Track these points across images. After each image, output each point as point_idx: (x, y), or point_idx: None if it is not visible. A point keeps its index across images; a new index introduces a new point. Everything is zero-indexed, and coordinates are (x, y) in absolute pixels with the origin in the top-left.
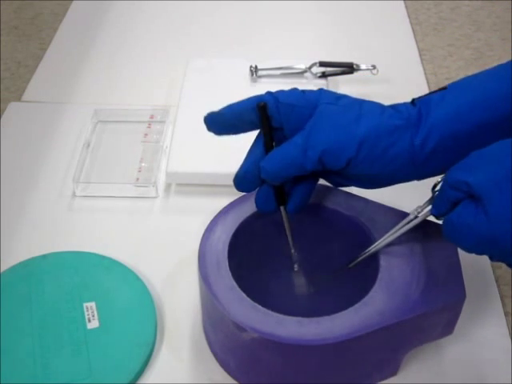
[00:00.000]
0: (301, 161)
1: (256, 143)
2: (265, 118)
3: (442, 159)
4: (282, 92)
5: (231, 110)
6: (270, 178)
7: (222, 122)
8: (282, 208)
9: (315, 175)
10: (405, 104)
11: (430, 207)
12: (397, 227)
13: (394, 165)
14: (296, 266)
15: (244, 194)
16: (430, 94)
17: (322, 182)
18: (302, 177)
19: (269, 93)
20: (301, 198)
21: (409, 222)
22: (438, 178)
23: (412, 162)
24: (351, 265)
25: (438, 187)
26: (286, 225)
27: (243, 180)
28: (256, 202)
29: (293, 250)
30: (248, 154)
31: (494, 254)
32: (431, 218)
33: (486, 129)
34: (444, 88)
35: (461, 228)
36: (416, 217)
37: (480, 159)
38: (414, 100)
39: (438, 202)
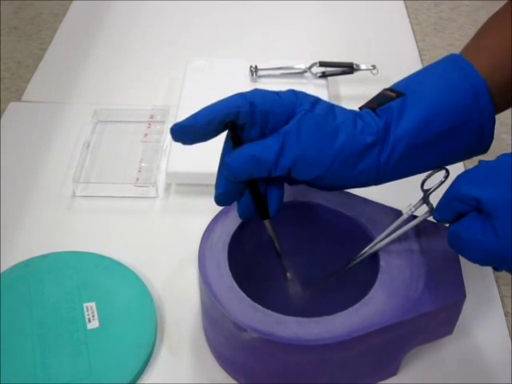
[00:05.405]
0: (271, 166)
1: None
2: (235, 136)
3: (404, 168)
4: (257, 94)
5: (204, 117)
6: (232, 175)
7: (193, 132)
8: (266, 222)
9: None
10: (369, 114)
11: (424, 206)
12: (392, 226)
13: (360, 178)
14: (289, 274)
15: None
16: (388, 100)
17: None
18: (271, 180)
19: (242, 96)
20: (276, 201)
21: (405, 222)
22: (426, 173)
23: (377, 175)
24: (350, 265)
25: (426, 185)
26: (273, 236)
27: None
28: (238, 213)
29: (283, 261)
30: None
31: (500, 267)
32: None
33: (444, 137)
34: (399, 94)
35: (468, 242)
36: (411, 216)
37: (489, 174)
38: (374, 108)
39: (441, 209)
